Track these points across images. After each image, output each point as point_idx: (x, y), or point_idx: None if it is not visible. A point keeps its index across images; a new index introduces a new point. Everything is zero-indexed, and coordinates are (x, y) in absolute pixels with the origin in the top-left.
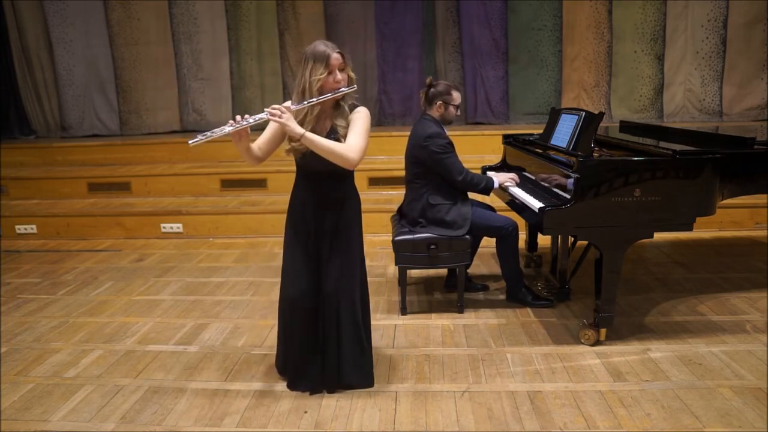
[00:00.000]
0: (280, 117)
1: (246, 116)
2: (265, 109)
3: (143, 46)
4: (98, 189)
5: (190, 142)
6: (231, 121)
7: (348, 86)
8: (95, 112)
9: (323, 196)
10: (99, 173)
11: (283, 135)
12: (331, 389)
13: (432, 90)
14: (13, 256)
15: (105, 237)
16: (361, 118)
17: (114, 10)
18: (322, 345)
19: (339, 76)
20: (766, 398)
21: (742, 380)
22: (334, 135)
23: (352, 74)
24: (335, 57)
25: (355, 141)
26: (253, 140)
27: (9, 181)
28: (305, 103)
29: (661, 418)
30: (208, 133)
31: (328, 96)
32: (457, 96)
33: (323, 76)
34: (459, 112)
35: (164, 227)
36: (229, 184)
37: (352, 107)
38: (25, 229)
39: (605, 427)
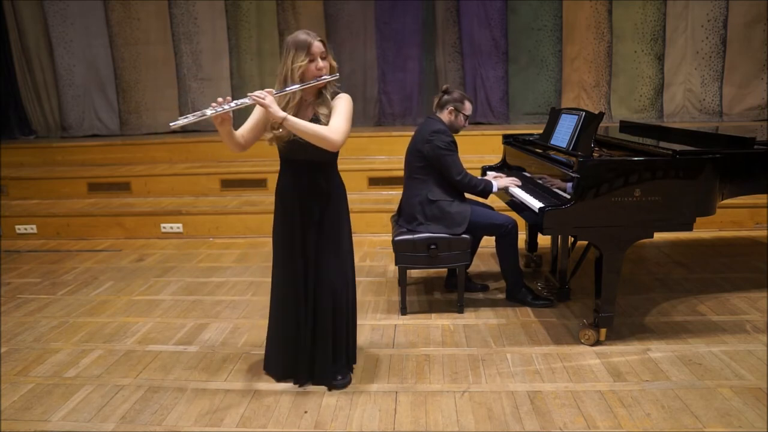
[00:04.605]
0: (263, 99)
1: (228, 98)
2: (248, 94)
3: (143, 46)
4: (98, 189)
5: (171, 123)
6: (213, 104)
7: (330, 74)
8: (95, 112)
9: (307, 186)
10: (99, 173)
11: (266, 124)
12: (321, 381)
13: (446, 96)
14: (13, 256)
15: (105, 237)
16: (343, 102)
17: (114, 10)
18: (310, 338)
19: (321, 63)
20: (766, 398)
21: (742, 380)
22: (317, 123)
23: (334, 63)
24: (317, 45)
25: (337, 123)
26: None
27: (9, 181)
28: (287, 89)
29: (661, 418)
30: (190, 116)
31: (311, 83)
32: (469, 106)
33: (304, 63)
34: (467, 124)
35: (164, 227)
36: (229, 184)
37: (334, 95)
38: (25, 229)
39: (605, 427)
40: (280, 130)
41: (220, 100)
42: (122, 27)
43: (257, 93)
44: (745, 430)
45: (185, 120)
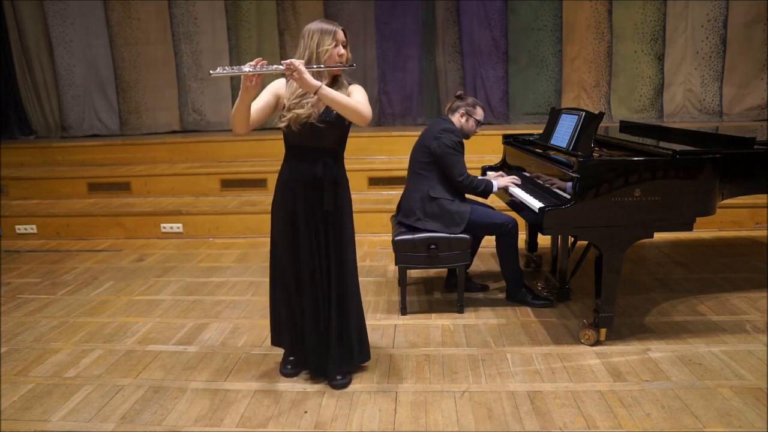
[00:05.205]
0: (296, 68)
1: (263, 61)
2: (282, 61)
3: (143, 46)
4: (98, 189)
5: (210, 71)
6: (250, 63)
7: (348, 64)
8: (95, 112)
9: (320, 174)
10: (99, 173)
11: (275, 107)
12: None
13: (458, 101)
14: (13, 256)
15: (105, 237)
16: (359, 89)
17: (114, 10)
18: (317, 331)
19: (342, 50)
20: (766, 398)
21: (742, 380)
22: (334, 110)
23: (350, 54)
24: (341, 33)
25: (363, 101)
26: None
27: (9, 181)
28: (314, 66)
29: (661, 418)
30: (228, 68)
31: (336, 66)
32: (480, 112)
33: (331, 46)
34: (478, 130)
35: (164, 227)
36: (229, 184)
37: (348, 85)
38: (25, 229)
39: (605, 427)
40: (305, 107)
41: (252, 63)
42: (122, 27)
43: (289, 60)
44: (745, 430)
45: (223, 71)
